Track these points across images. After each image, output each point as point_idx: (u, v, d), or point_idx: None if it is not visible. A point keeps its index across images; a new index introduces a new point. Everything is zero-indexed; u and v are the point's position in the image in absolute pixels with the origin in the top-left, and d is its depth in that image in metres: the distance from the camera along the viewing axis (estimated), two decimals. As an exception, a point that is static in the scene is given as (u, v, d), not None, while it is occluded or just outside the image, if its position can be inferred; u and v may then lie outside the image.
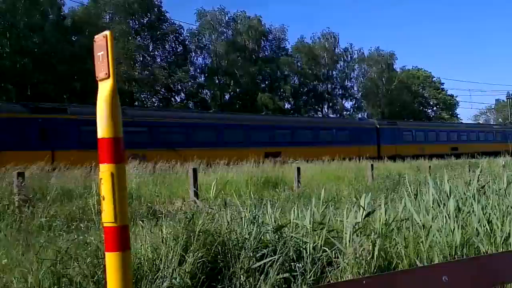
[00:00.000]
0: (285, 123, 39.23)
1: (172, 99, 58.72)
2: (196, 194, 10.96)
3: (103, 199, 2.91)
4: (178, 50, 59.36)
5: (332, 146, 36.24)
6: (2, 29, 41.44)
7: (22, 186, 8.42)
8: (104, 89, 2.98)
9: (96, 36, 3.04)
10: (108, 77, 2.97)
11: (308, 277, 4.96)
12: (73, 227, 5.85)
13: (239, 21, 62.14)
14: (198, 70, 62.16)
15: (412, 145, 43.75)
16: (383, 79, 74.17)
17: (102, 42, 3.00)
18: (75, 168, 15.58)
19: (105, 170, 2.92)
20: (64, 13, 47.01)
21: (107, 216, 2.90)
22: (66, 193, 10.31)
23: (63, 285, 3.98)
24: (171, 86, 57.02)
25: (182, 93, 60.13)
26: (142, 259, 4.67)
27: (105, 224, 2.92)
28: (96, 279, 4.14)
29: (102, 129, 2.95)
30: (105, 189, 2.90)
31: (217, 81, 60.89)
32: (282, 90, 64.64)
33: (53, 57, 42.69)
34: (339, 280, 4.94)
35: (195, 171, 12.20)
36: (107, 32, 2.99)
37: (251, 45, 62.13)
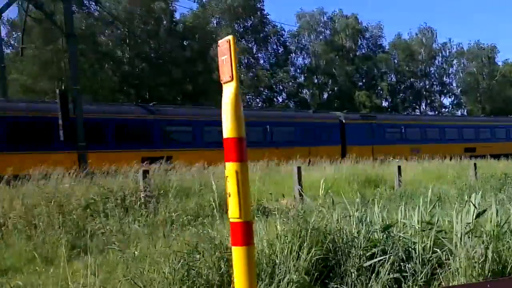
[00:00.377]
0: (175, 117, 26.89)
1: (275, 99, 59.21)
2: (300, 192, 10.89)
3: (229, 196, 2.98)
4: (280, 51, 59.79)
5: (264, 148, 26.47)
6: (122, 36, 43.78)
7: (147, 183, 8.81)
8: (228, 91, 3.02)
9: (219, 41, 3.08)
10: (232, 79, 3.01)
11: (419, 278, 4.76)
12: (196, 222, 6.01)
13: (336, 21, 61.42)
14: (298, 71, 62.28)
15: (399, 146, 33.39)
16: (484, 73, 69.55)
17: (225, 46, 3.04)
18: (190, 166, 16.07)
19: (230, 168, 2.98)
20: (176, 19, 48.70)
21: (233, 212, 2.96)
22: (184, 190, 10.63)
23: (192, 276, 4.08)
24: (273, 86, 57.57)
25: (283, 93, 60.48)
26: (259, 254, 4.70)
27: (231, 220, 2.98)
28: (221, 272, 4.20)
29: (227, 130, 3.00)
30: (231, 186, 2.96)
31: (315, 81, 60.66)
32: (379, 88, 63.01)
33: (167, 61, 44.37)
34: (451, 284, 4.71)
35: (299, 169, 12.10)
36: (229, 37, 3.03)
37: (348, 44, 61.21)
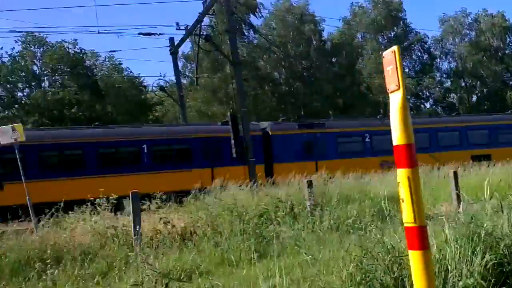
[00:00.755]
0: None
1: (422, 106, 56.37)
2: (458, 197, 10.22)
3: (403, 201, 2.91)
4: (424, 58, 56.84)
5: (138, 172, 20.89)
6: (278, 59, 45.29)
7: (311, 192, 8.95)
8: (395, 100, 2.96)
9: (384, 53, 3.06)
10: (399, 88, 2.94)
11: None
12: (359, 227, 5.92)
13: (481, 21, 56.55)
14: (444, 75, 58.43)
15: (361, 159, 24.45)
16: None
17: (390, 57, 2.99)
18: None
19: (402, 174, 2.91)
20: (324, 38, 48.98)
21: (407, 217, 2.88)
22: (344, 197, 10.55)
23: (368, 280, 4.00)
24: (420, 93, 54.95)
25: (430, 99, 57.31)
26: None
27: (405, 224, 2.92)
28: (395, 276, 4.06)
29: (397, 137, 2.95)
30: (404, 192, 2.90)
31: (463, 84, 56.47)
32: (534, 85, 56.52)
33: (318, 79, 44.81)
34: None
35: (455, 174, 11.42)
36: (394, 48, 2.98)
37: (495, 43, 55.84)
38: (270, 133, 25.24)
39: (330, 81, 44.86)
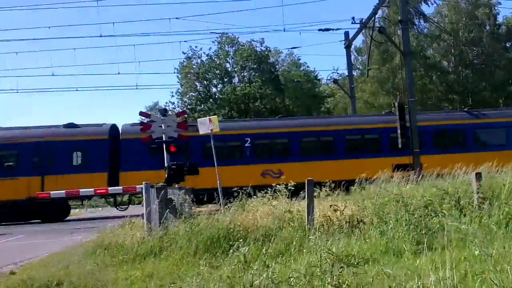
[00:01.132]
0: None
1: None
2: None
3: None
4: None
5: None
6: (447, 47, 42.05)
7: (480, 185, 8.26)
8: None
9: None
10: None
11: None
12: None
13: None
14: None
15: (234, 168, 20.04)
16: None
17: None
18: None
19: None
20: (498, 22, 43.98)
21: None
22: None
23: None
24: None
25: None
26: None
27: None
28: None
29: None
30: None
31: None
32: None
33: (489, 66, 40.69)
34: None
35: None
36: None
37: None
38: (120, 137, 21.48)
39: (503, 67, 40.42)
